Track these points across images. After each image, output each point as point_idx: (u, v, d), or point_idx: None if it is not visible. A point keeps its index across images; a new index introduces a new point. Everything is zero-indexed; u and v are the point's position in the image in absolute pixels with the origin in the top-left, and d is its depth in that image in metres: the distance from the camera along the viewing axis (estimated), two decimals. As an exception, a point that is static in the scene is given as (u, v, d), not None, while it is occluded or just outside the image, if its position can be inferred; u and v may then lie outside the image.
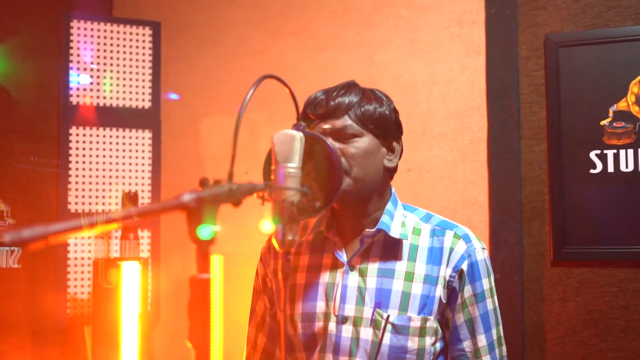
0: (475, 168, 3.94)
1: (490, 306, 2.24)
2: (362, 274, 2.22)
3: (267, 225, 1.76)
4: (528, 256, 3.81)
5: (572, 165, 3.74)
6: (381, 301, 2.17)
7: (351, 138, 2.19)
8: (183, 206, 1.46)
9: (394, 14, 4.25)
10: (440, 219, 2.32)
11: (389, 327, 2.15)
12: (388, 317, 2.15)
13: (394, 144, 2.30)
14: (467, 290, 2.21)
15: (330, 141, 2.12)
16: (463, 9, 4.05)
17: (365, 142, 2.20)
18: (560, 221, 3.74)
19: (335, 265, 2.27)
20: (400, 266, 2.21)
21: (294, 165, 1.76)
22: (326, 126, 2.20)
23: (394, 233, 2.23)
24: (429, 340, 2.17)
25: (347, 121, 2.19)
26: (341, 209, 2.28)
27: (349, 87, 2.27)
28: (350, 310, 2.20)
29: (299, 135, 1.79)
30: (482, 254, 2.24)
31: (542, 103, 3.85)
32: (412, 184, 4.05)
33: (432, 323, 2.18)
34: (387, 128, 2.26)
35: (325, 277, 2.26)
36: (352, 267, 2.23)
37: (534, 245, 3.82)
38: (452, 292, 2.21)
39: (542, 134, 3.84)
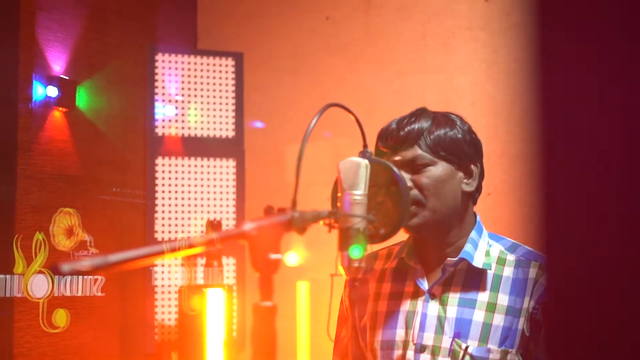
0: (557, 191, 3.87)
1: None
2: (443, 303, 2.16)
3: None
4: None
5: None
6: (461, 331, 2.11)
7: (423, 168, 2.12)
8: (244, 235, 1.48)
9: (472, 37, 4.24)
10: (526, 249, 2.21)
11: (467, 358, 2.09)
12: (467, 347, 2.09)
13: (472, 167, 2.19)
14: None
15: (397, 169, 2.10)
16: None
17: (438, 170, 2.13)
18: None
19: (416, 293, 2.21)
20: (482, 296, 2.14)
21: (359, 192, 1.76)
22: (397, 158, 2.14)
23: (477, 262, 2.16)
24: None
25: (417, 151, 2.13)
26: (422, 238, 2.24)
27: (419, 114, 2.20)
28: (428, 339, 2.14)
29: (365, 162, 1.79)
30: None
31: (624, 123, 3.78)
32: (491, 208, 4.00)
33: (513, 356, 2.10)
34: (461, 152, 2.17)
35: (406, 305, 2.21)
36: (432, 296, 2.17)
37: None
38: (535, 324, 2.11)
39: (625, 155, 3.76)
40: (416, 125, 2.16)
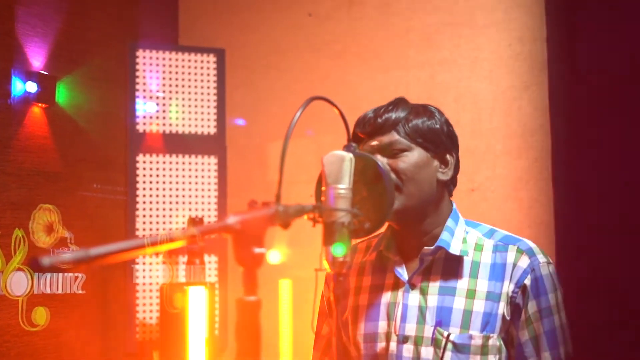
0: (540, 187, 3.88)
1: (557, 322, 2.14)
2: (423, 293, 2.18)
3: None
4: (596, 276, 3.73)
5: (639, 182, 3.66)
6: (442, 320, 2.13)
7: (400, 153, 2.16)
8: (228, 228, 1.46)
9: (455, 33, 4.23)
10: (503, 234, 2.25)
11: (449, 345, 2.11)
12: (449, 335, 2.11)
13: (447, 156, 2.23)
14: (532, 306, 2.13)
15: (380, 161, 2.10)
16: (525, 26, 4.00)
17: (414, 155, 2.16)
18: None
19: (396, 285, 2.23)
20: (462, 284, 2.16)
21: (344, 186, 1.75)
22: (374, 143, 2.18)
23: (454, 250, 2.18)
24: (492, 358, 2.12)
25: (394, 136, 2.17)
26: (399, 227, 2.24)
27: (397, 103, 2.24)
28: (411, 329, 2.16)
29: (349, 156, 1.78)
30: (547, 269, 2.16)
31: (607, 119, 3.78)
32: (476, 204, 4.01)
33: (495, 341, 2.12)
34: (438, 141, 2.21)
35: (387, 297, 2.23)
36: (412, 286, 2.19)
37: (602, 265, 3.73)
38: (515, 308, 2.14)
39: (608, 151, 3.76)
40: (394, 114, 2.20)
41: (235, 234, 1.48)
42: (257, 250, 1.50)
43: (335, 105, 1.81)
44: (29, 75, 3.99)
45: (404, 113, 2.20)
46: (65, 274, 4.07)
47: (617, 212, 3.73)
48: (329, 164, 1.78)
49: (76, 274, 4.13)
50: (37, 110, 4.05)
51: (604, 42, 3.85)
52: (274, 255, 4.62)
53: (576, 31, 3.89)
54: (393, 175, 2.14)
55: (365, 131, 2.21)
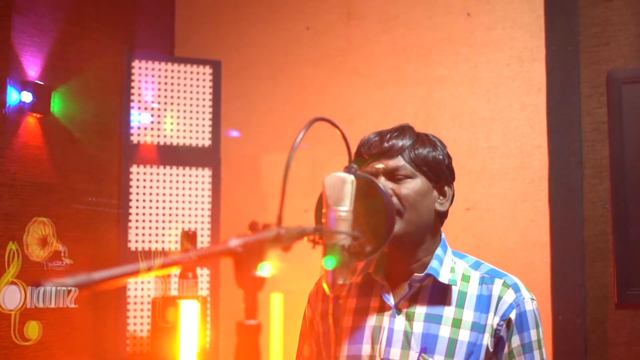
0: (537, 207, 3.87)
1: (537, 358, 2.19)
2: (409, 318, 2.19)
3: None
4: (591, 298, 3.72)
5: (637, 205, 3.65)
6: (427, 346, 2.14)
7: (404, 179, 2.19)
8: (230, 252, 1.45)
9: (453, 51, 4.23)
10: (489, 267, 2.29)
11: None
12: None
13: (446, 188, 2.29)
14: (515, 340, 2.17)
15: (382, 184, 2.11)
16: (523, 46, 4.00)
17: (417, 183, 2.20)
18: (625, 262, 3.64)
19: (382, 309, 2.25)
20: (448, 312, 2.18)
21: (345, 208, 1.74)
22: (379, 165, 2.20)
23: (443, 278, 2.21)
24: None
25: (400, 161, 2.20)
26: (391, 252, 2.26)
27: (403, 129, 2.27)
28: (395, 354, 2.17)
29: (350, 178, 1.77)
30: (531, 305, 2.21)
31: (604, 141, 3.77)
32: (471, 224, 4.00)
33: None
34: (440, 171, 2.25)
35: (371, 320, 2.25)
36: (399, 311, 2.21)
37: (597, 287, 3.72)
38: (499, 341, 2.18)
39: (604, 173, 3.76)
40: (401, 141, 2.23)
41: (237, 257, 1.47)
42: (258, 273, 1.50)
43: (338, 127, 1.80)
44: (24, 84, 3.96)
45: (411, 141, 2.24)
46: (59, 288, 4.04)
47: (614, 233, 3.72)
48: (330, 186, 1.77)
49: (69, 288, 4.10)
50: (31, 120, 4.02)
51: (603, 62, 3.85)
52: (265, 268, 4.60)
53: (576, 52, 3.90)
54: (395, 200, 2.16)
55: (371, 153, 2.23)
